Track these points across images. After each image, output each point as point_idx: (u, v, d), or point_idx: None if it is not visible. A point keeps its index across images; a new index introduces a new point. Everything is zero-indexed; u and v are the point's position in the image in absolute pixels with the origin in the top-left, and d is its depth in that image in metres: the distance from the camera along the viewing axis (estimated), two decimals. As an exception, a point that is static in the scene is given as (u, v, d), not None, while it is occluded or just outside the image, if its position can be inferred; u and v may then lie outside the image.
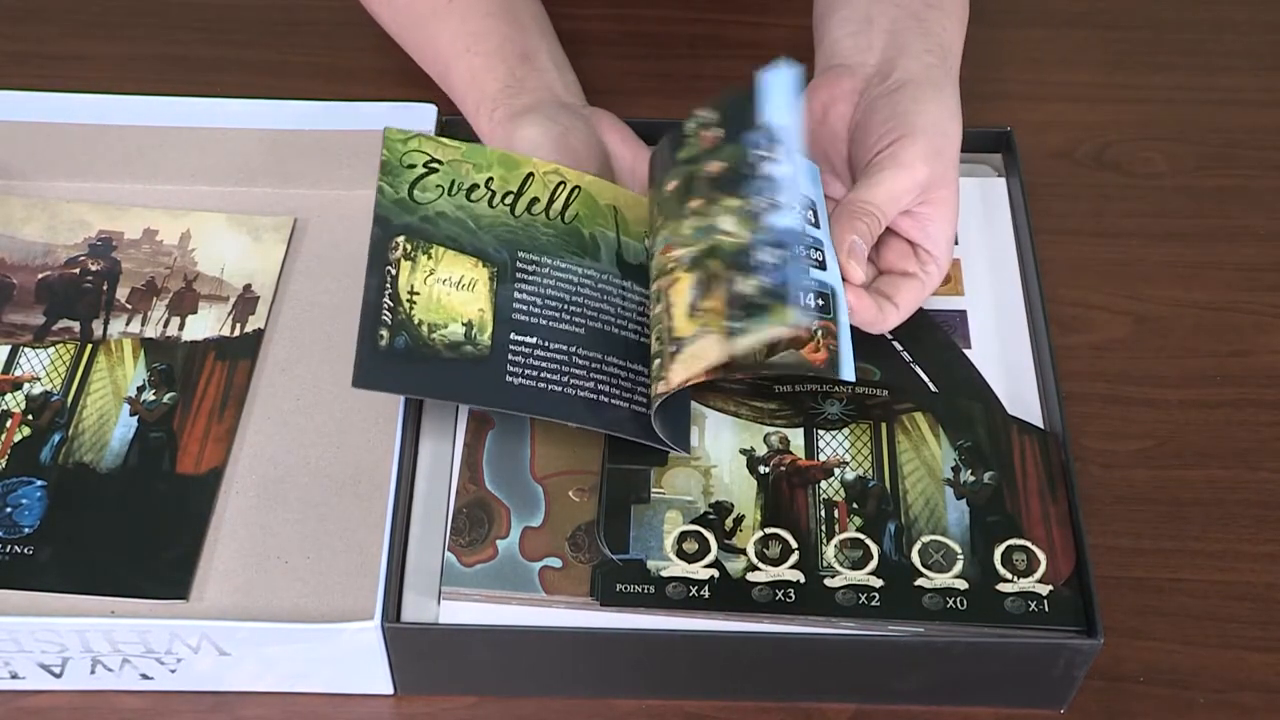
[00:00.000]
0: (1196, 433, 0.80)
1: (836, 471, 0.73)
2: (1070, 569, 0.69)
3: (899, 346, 0.78)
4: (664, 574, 0.69)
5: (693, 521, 0.71)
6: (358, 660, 0.67)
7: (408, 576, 0.69)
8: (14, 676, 0.69)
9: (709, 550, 0.70)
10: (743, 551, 0.70)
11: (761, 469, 0.73)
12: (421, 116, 0.84)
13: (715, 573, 0.69)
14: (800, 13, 0.89)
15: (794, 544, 0.70)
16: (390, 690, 0.70)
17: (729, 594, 0.68)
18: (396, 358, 0.68)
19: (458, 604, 0.69)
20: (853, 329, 0.71)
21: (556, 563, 0.70)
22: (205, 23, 1.01)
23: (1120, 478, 0.78)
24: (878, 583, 0.69)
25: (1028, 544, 0.70)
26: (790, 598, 0.68)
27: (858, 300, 0.72)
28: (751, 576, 0.69)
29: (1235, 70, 1.00)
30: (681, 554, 0.70)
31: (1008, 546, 0.70)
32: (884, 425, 0.75)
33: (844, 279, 0.71)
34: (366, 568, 0.72)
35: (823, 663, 0.68)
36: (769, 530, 0.70)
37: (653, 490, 0.72)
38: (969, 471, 0.73)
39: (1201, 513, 0.77)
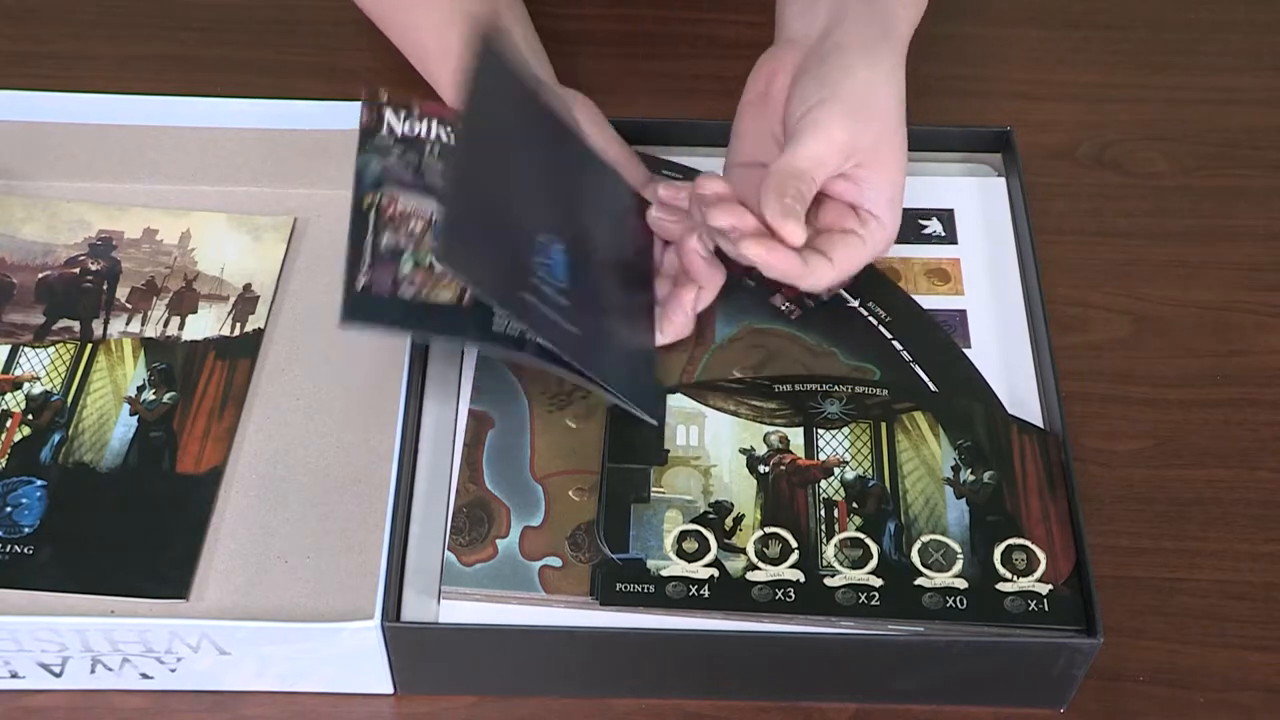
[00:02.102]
0: (1196, 433, 0.80)
1: (836, 471, 0.73)
2: (1070, 568, 0.69)
3: (899, 346, 0.78)
4: (664, 573, 0.69)
5: (693, 521, 0.71)
6: (357, 660, 0.67)
7: (408, 576, 0.69)
8: (14, 676, 0.69)
9: (709, 550, 0.70)
10: (742, 551, 0.70)
11: (761, 468, 0.73)
12: (421, 116, 0.84)
13: (715, 572, 0.69)
14: (800, 13, 0.89)
15: (794, 543, 0.70)
16: (390, 690, 0.70)
17: (729, 593, 0.68)
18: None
19: (458, 603, 0.69)
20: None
21: (556, 562, 0.69)
22: (205, 23, 1.01)
23: (1120, 477, 0.78)
24: (877, 582, 0.69)
25: (1027, 543, 0.70)
26: (790, 597, 0.68)
27: (770, 254, 0.70)
28: (751, 576, 0.69)
29: (1235, 70, 1.00)
30: (681, 553, 0.69)
31: (1007, 546, 0.70)
32: (884, 425, 0.75)
33: (785, 242, 0.70)
34: (366, 567, 0.72)
35: (823, 662, 0.68)
36: (769, 530, 0.70)
37: (653, 489, 0.72)
38: (969, 471, 0.73)
39: (1201, 512, 0.77)
